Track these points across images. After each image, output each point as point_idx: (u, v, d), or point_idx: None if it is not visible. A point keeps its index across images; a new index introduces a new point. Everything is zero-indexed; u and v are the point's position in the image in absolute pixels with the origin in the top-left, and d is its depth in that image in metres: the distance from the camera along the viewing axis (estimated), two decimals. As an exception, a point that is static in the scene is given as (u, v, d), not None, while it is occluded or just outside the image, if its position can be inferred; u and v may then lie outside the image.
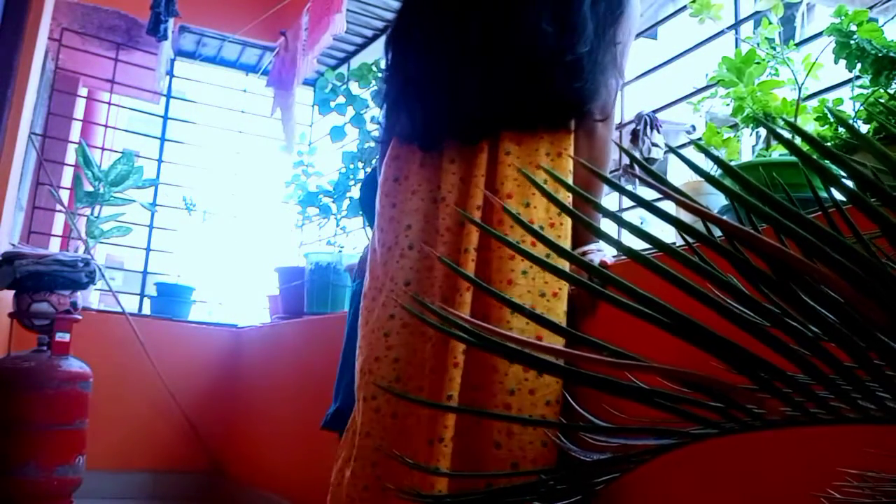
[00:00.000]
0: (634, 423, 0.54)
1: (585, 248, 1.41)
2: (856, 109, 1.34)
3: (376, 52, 3.89)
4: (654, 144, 2.05)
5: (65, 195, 3.97)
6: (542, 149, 1.40)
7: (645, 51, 2.80)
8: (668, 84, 2.32)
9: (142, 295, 4.15)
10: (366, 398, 1.39)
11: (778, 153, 1.40)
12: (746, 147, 1.79)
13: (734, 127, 1.57)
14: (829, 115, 1.35)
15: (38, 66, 3.27)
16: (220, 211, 4.35)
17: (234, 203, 4.48)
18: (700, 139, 1.69)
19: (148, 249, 4.15)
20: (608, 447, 0.53)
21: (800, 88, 1.44)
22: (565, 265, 1.23)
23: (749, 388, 0.46)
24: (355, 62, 4.07)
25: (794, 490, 1.00)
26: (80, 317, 2.71)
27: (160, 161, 4.26)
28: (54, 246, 4.16)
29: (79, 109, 4.71)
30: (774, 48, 1.51)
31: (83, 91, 4.74)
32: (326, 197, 3.35)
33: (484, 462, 1.26)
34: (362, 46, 4.15)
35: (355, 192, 3.19)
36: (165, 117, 4.34)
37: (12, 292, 2.66)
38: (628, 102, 2.25)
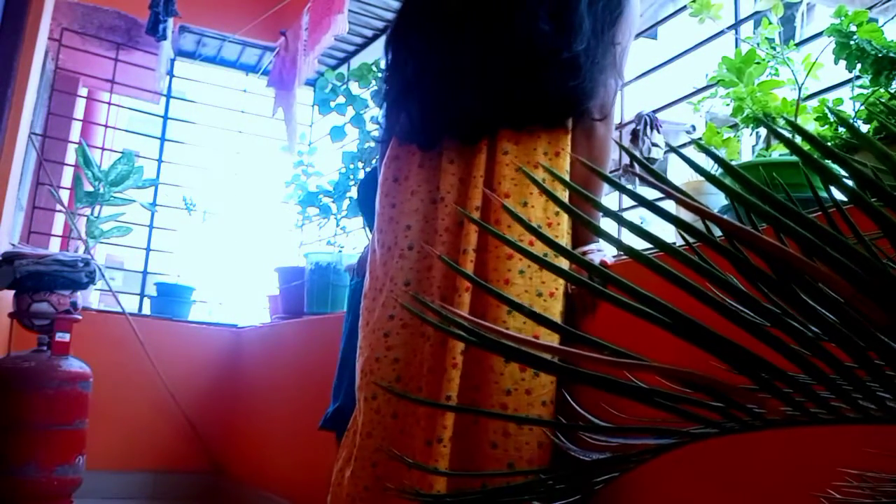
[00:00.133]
0: (634, 423, 0.54)
1: (586, 248, 1.41)
2: (856, 109, 1.34)
3: (376, 52, 3.89)
4: (655, 144, 2.05)
5: (65, 195, 3.97)
6: (539, 148, 1.40)
7: (645, 51, 2.80)
8: (668, 84, 2.32)
9: (142, 295, 4.15)
10: (367, 398, 1.39)
11: (778, 153, 1.40)
12: (746, 147, 1.79)
13: (734, 127, 1.57)
14: (830, 115, 1.35)
15: (38, 66, 3.27)
16: (220, 211, 4.35)
17: (234, 203, 4.48)
18: (700, 139, 1.69)
19: (148, 249, 4.15)
20: (607, 447, 0.53)
21: (800, 88, 1.44)
22: (564, 264, 1.24)
23: (749, 388, 0.46)
24: (355, 62, 4.07)
25: (794, 490, 1.00)
26: (80, 317, 2.71)
27: (160, 161, 4.26)
28: (54, 246, 4.16)
29: (79, 109, 4.71)
30: (774, 48, 1.51)
31: (83, 91, 4.74)
32: (326, 197, 3.35)
33: (480, 462, 1.26)
34: (362, 46, 4.15)
35: (355, 192, 3.19)
36: (165, 117, 4.34)
37: (12, 292, 2.66)
38: (628, 102, 2.25)
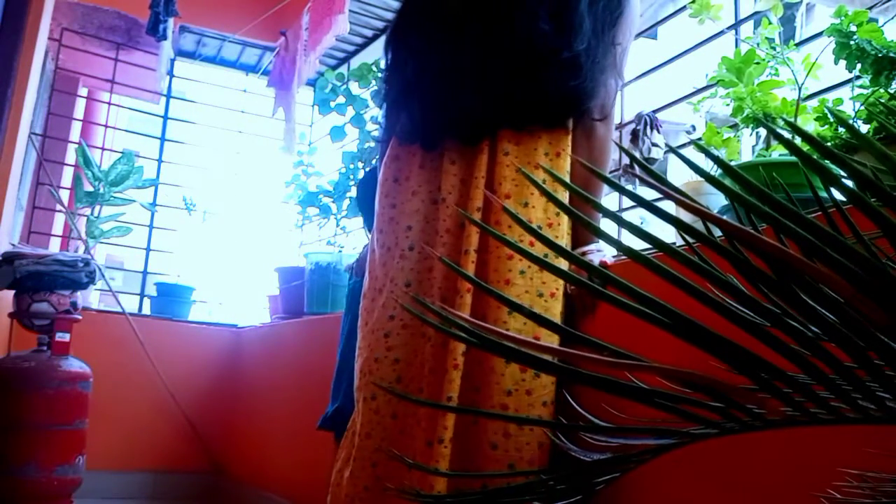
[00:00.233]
0: (634, 423, 0.54)
1: (585, 248, 1.41)
2: (856, 109, 1.34)
3: (376, 52, 3.89)
4: (654, 144, 2.05)
5: (65, 195, 3.97)
6: (540, 149, 1.40)
7: (645, 51, 2.80)
8: (668, 84, 2.32)
9: (142, 295, 4.15)
10: (366, 399, 1.39)
11: (778, 153, 1.40)
12: (746, 147, 1.79)
13: (734, 127, 1.57)
14: (829, 115, 1.35)
15: (38, 66, 3.27)
16: (220, 211, 4.36)
17: (234, 203, 4.48)
18: (700, 139, 1.69)
19: (148, 249, 4.15)
20: (608, 447, 0.53)
21: (800, 88, 1.44)
22: (564, 265, 1.24)
23: (749, 388, 0.46)
24: (355, 62, 4.07)
25: (794, 490, 1.00)
26: (80, 317, 2.71)
27: (160, 161, 4.26)
28: (54, 246, 4.16)
29: (79, 109, 4.71)
30: (774, 48, 1.51)
31: (83, 91, 4.74)
32: (326, 197, 3.35)
33: (481, 463, 1.26)
34: (362, 46, 4.16)
35: (355, 192, 3.19)
36: (165, 117, 4.34)
37: (12, 292, 2.66)
38: (628, 102, 2.25)
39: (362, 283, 1.69)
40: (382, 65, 1.62)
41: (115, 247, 4.41)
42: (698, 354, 0.46)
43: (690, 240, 0.48)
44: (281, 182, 3.70)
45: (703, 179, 0.47)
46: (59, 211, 3.98)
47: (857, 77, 1.35)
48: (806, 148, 0.45)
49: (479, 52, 1.42)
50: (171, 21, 3.70)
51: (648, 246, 0.46)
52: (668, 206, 0.55)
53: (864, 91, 1.33)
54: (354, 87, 3.23)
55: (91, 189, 3.82)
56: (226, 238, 4.49)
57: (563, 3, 1.40)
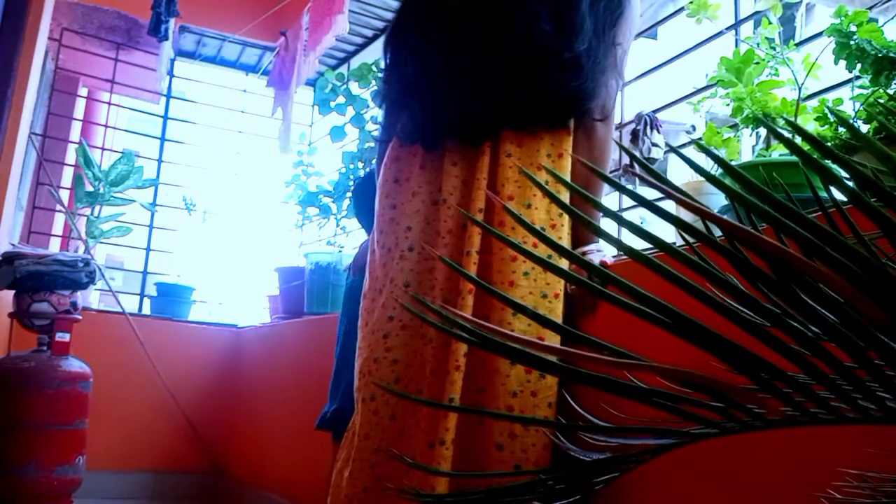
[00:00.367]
0: (634, 423, 0.54)
1: (586, 248, 1.41)
2: (856, 109, 1.34)
3: (376, 52, 3.89)
4: (654, 144, 2.05)
5: (65, 195, 3.97)
6: (542, 150, 1.40)
7: (645, 51, 2.80)
8: (668, 84, 2.32)
9: (142, 295, 4.15)
10: (364, 399, 1.39)
11: (778, 153, 1.40)
12: (746, 147, 1.79)
13: (734, 127, 1.57)
14: (830, 115, 1.35)
15: (38, 66, 3.27)
16: (220, 211, 4.36)
17: (234, 203, 4.49)
18: (700, 139, 1.69)
19: (148, 249, 4.15)
20: (608, 447, 0.53)
21: (800, 88, 1.44)
22: (565, 265, 1.23)
23: (749, 388, 0.46)
24: (355, 62, 4.08)
25: (794, 490, 1.00)
26: (80, 317, 2.71)
27: (160, 161, 4.26)
28: (54, 246, 4.16)
29: (79, 109, 4.71)
30: (774, 48, 1.51)
31: (83, 91, 4.74)
32: (326, 197, 3.35)
33: (486, 464, 1.26)
34: (362, 46, 4.16)
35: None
36: (165, 117, 4.34)
37: (12, 292, 2.66)
38: (628, 102, 2.25)
39: (359, 282, 1.69)
40: (382, 65, 1.61)
41: (115, 247, 4.41)
42: (698, 354, 0.46)
43: (690, 239, 0.48)
44: (281, 182, 3.71)
45: (703, 179, 0.47)
46: (59, 211, 3.98)
47: (857, 77, 1.35)
48: (806, 148, 0.45)
49: (479, 53, 1.42)
50: (172, 21, 3.70)
51: (649, 245, 0.46)
52: (669, 206, 0.55)
53: (864, 91, 1.33)
54: (354, 87, 3.23)
55: (91, 189, 3.82)
56: (226, 238, 4.50)
57: (563, 4, 1.39)
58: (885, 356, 0.42)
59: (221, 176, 4.55)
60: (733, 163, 1.43)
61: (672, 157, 2.62)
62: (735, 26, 1.98)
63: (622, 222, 0.47)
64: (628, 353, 0.47)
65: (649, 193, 2.16)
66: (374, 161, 3.01)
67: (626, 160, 2.01)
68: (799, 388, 0.45)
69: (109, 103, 4.54)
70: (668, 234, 2.17)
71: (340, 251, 3.31)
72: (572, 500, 0.56)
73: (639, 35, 1.84)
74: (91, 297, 3.88)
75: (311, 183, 3.55)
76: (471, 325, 0.50)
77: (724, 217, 0.42)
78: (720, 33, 1.99)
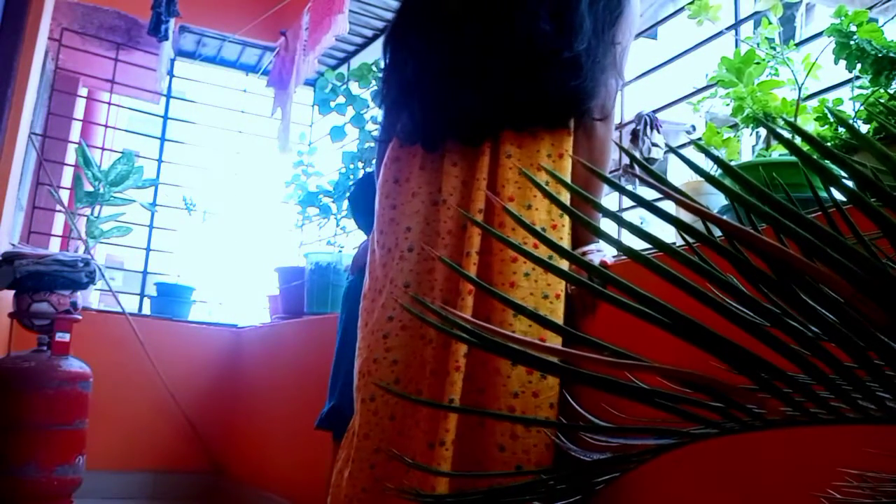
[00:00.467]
0: (634, 423, 0.54)
1: (585, 249, 1.41)
2: (856, 109, 1.34)
3: (376, 52, 3.89)
4: (654, 144, 2.05)
5: (65, 195, 3.97)
6: (543, 150, 1.40)
7: (645, 51, 2.80)
8: (668, 84, 2.32)
9: (142, 295, 4.15)
10: (364, 400, 1.39)
11: (778, 153, 1.40)
12: (746, 147, 1.79)
13: (734, 127, 1.57)
14: (829, 115, 1.35)
15: (38, 66, 3.27)
16: (220, 211, 4.36)
17: (234, 203, 4.49)
18: (700, 139, 1.69)
19: (148, 249, 4.15)
20: (608, 447, 0.53)
21: (800, 88, 1.44)
22: (565, 265, 1.23)
23: (749, 388, 0.46)
24: (355, 62, 4.08)
25: (794, 490, 1.00)
26: (80, 317, 2.71)
27: (160, 161, 4.26)
28: (54, 246, 4.16)
29: (79, 109, 4.71)
30: (774, 48, 1.51)
31: (83, 91, 4.74)
32: (326, 197, 3.35)
33: (487, 465, 1.26)
34: (362, 46, 4.16)
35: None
36: (165, 117, 4.34)
37: (12, 292, 2.66)
38: (628, 102, 2.25)
39: (358, 281, 1.69)
40: (382, 65, 1.61)
41: (115, 247, 4.41)
42: (698, 354, 0.46)
43: (690, 240, 0.48)
44: (281, 182, 3.71)
45: (703, 179, 0.47)
46: (59, 211, 3.98)
47: (857, 77, 1.35)
48: (806, 148, 0.45)
49: (479, 53, 1.42)
50: (172, 21, 3.71)
51: (648, 246, 0.46)
52: (669, 206, 0.55)
53: (864, 91, 1.33)
54: (354, 87, 3.23)
55: (91, 189, 3.82)
56: (226, 238, 4.50)
57: (563, 3, 1.39)
58: (885, 356, 0.42)
59: (221, 176, 4.55)
60: (733, 163, 1.43)
61: (672, 157, 2.62)
62: (735, 26, 1.98)
63: (622, 223, 0.47)
64: (628, 354, 0.47)
65: (649, 194, 2.16)
66: (373, 161, 3.01)
67: (625, 160, 2.01)
68: (799, 388, 0.45)
69: (109, 103, 4.54)
70: (668, 234, 2.17)
71: (340, 251, 3.31)
72: (573, 500, 0.56)
73: (639, 35, 1.84)
74: (91, 297, 3.88)
75: (311, 183, 3.55)
76: (471, 325, 0.50)
77: (724, 217, 0.42)
78: (720, 33, 1.99)
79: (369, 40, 4.09)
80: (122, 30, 4.24)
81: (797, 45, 1.59)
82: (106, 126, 4.61)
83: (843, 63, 1.34)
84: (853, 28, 1.32)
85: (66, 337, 2.62)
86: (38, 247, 3.43)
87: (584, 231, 1.42)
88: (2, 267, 2.59)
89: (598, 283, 0.47)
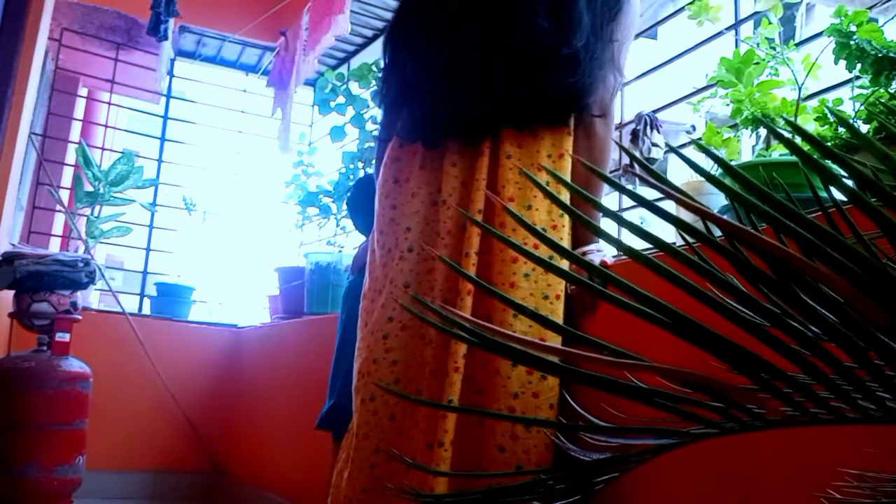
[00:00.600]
0: (634, 423, 0.54)
1: (586, 248, 1.41)
2: (856, 109, 1.34)
3: (376, 52, 3.89)
4: (654, 144, 2.05)
5: (65, 195, 3.97)
6: (543, 150, 1.40)
7: (645, 51, 2.80)
8: (668, 84, 2.32)
9: (142, 295, 4.15)
10: (364, 400, 1.39)
11: (778, 153, 1.40)
12: (746, 147, 1.79)
13: (734, 127, 1.57)
14: (830, 115, 1.35)
15: (38, 66, 3.27)
16: (220, 211, 4.36)
17: (234, 203, 4.49)
18: (700, 139, 1.69)
19: (148, 249, 4.15)
20: (608, 447, 0.53)
21: (800, 88, 1.44)
22: (565, 265, 1.23)
23: (749, 388, 0.46)
24: (355, 62, 4.08)
25: (794, 490, 1.00)
26: (80, 317, 2.71)
27: (160, 161, 4.26)
28: (54, 246, 4.16)
29: (79, 109, 4.71)
30: (774, 48, 1.51)
31: (83, 91, 4.74)
32: (326, 197, 3.35)
33: (486, 466, 1.25)
34: (362, 46, 4.16)
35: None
36: (165, 117, 4.34)
37: (12, 292, 2.66)
38: (628, 102, 2.25)
39: (358, 280, 1.68)
40: (382, 65, 1.61)
41: (115, 247, 4.41)
42: (698, 354, 0.46)
43: (690, 239, 0.48)
44: (281, 182, 3.71)
45: (703, 179, 0.47)
46: (59, 211, 3.98)
47: (857, 77, 1.35)
48: (806, 148, 0.45)
49: (479, 53, 1.42)
50: (171, 21, 3.71)
51: (649, 245, 0.46)
52: (669, 206, 0.55)
53: (864, 91, 1.33)
54: (354, 87, 3.23)
55: (91, 189, 3.82)
56: (226, 238, 4.50)
57: (562, 1, 1.39)
58: (885, 356, 0.42)
59: (221, 176, 4.55)
60: (733, 163, 1.43)
61: (672, 157, 2.62)
62: (735, 26, 1.98)
63: (622, 222, 0.47)
64: (628, 354, 0.47)
65: (649, 193, 2.16)
66: (373, 161, 3.01)
67: (626, 160, 2.01)
68: (799, 388, 0.45)
69: (109, 103, 4.54)
70: (668, 234, 2.17)
71: (340, 251, 3.31)
72: (573, 500, 0.56)
73: (639, 35, 1.84)
74: (91, 297, 3.88)
75: (311, 183, 3.55)
76: (471, 325, 0.50)
77: (724, 217, 0.42)
78: (720, 33, 1.99)
79: (369, 40, 4.09)
80: (122, 30, 4.24)
81: (797, 45, 1.59)
82: (106, 126, 4.61)
83: (843, 63, 1.34)
84: (853, 28, 1.32)
85: (66, 337, 2.62)
86: (38, 247, 3.43)
87: (585, 231, 1.42)
88: (2, 267, 2.59)
89: (598, 282, 0.47)
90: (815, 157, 0.42)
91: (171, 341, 3.71)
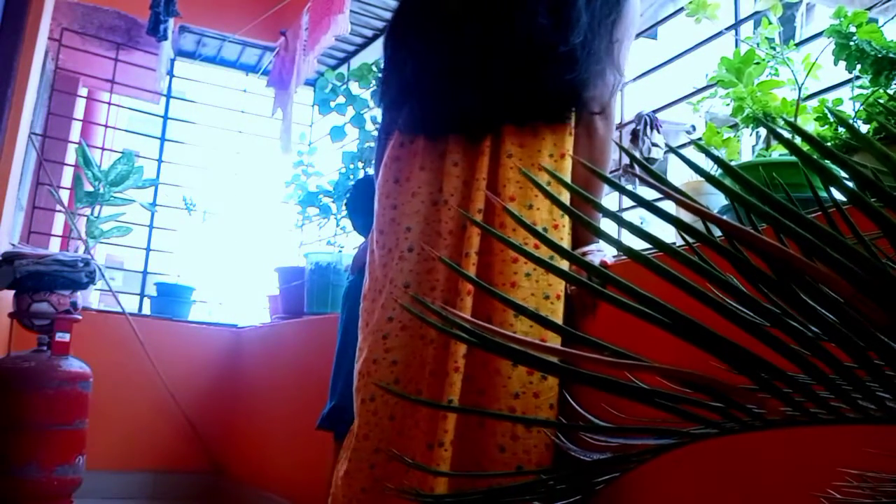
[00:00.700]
0: (634, 423, 0.54)
1: (586, 249, 1.41)
2: (855, 110, 1.34)
3: (376, 52, 3.89)
4: (654, 144, 2.05)
5: (65, 195, 3.97)
6: (544, 150, 1.40)
7: (645, 51, 2.80)
8: (668, 84, 2.32)
9: (142, 295, 4.15)
10: (364, 400, 1.39)
11: (778, 153, 1.40)
12: (746, 147, 1.79)
13: (734, 127, 1.57)
14: (829, 116, 1.35)
15: (38, 66, 3.27)
16: (220, 211, 4.36)
17: (234, 203, 4.49)
18: (700, 139, 1.69)
19: (148, 249, 4.15)
20: (608, 447, 0.53)
21: (800, 88, 1.44)
22: (565, 265, 1.23)
23: (749, 388, 0.46)
24: (355, 62, 4.08)
25: (794, 490, 1.00)
26: (80, 317, 2.71)
27: (160, 161, 4.26)
28: (54, 246, 4.16)
29: (79, 109, 4.71)
30: (774, 48, 1.51)
31: (83, 91, 4.74)
32: (326, 197, 3.35)
33: (486, 466, 1.25)
34: (362, 46, 4.16)
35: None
36: (165, 117, 4.34)
37: (12, 292, 2.66)
38: (628, 102, 2.25)
39: (358, 280, 1.68)
40: (382, 64, 1.62)
41: (115, 247, 4.41)
42: (698, 354, 0.46)
43: (690, 240, 0.48)
44: (281, 182, 3.71)
45: (703, 179, 0.47)
46: (59, 211, 3.98)
47: (857, 77, 1.35)
48: (806, 148, 0.45)
49: (479, 53, 1.42)
50: (171, 21, 3.71)
51: (648, 246, 0.46)
52: (669, 206, 0.55)
53: (864, 91, 1.33)
54: (354, 87, 3.23)
55: (91, 189, 3.82)
56: (226, 238, 4.50)
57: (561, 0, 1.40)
58: (885, 356, 0.42)
59: (221, 176, 4.55)
60: (733, 163, 1.43)
61: (672, 157, 2.62)
62: (735, 26, 1.98)
63: (622, 223, 0.47)
64: (628, 354, 0.47)
65: (649, 194, 2.16)
66: (373, 161, 3.01)
67: (625, 160, 2.01)
68: (799, 388, 0.45)
69: (109, 103, 4.54)
70: (668, 234, 2.17)
71: (340, 251, 3.31)
72: (573, 500, 0.56)
73: (639, 35, 1.84)
74: (91, 297, 3.88)
75: (311, 183, 3.55)
76: (471, 326, 0.50)
77: (724, 217, 0.42)
78: (720, 33, 1.99)
79: (369, 40, 4.09)
80: (122, 30, 4.24)
81: (797, 45, 1.59)
82: (106, 126, 4.61)
83: (843, 63, 1.34)
84: (853, 29, 1.32)
85: (66, 337, 2.62)
86: (38, 247, 3.43)
87: (585, 231, 1.42)
88: (2, 267, 2.59)
89: (598, 283, 0.47)
90: (815, 157, 0.43)
91: (171, 341, 3.71)
